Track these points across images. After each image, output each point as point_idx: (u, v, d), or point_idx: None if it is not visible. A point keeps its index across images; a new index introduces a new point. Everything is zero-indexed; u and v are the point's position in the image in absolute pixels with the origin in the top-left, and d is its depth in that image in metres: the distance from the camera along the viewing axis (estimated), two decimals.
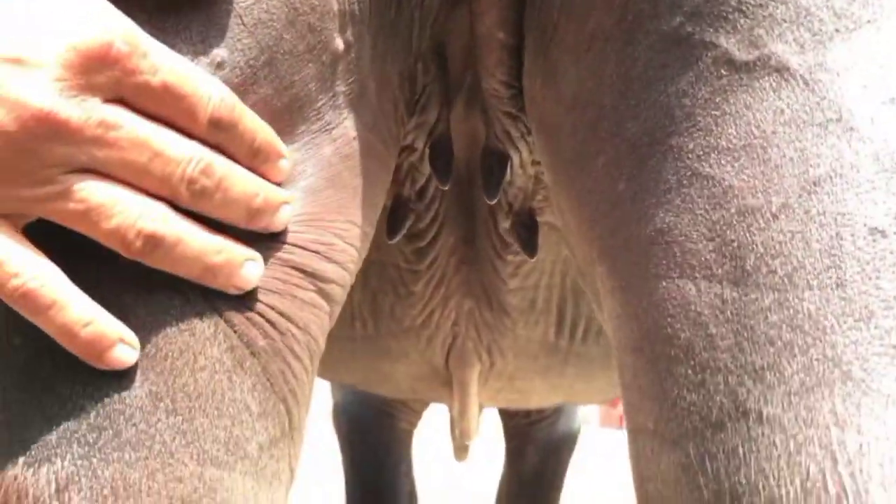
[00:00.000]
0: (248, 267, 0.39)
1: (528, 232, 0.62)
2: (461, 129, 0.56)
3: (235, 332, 0.40)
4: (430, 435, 1.31)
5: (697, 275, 0.37)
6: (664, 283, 0.39)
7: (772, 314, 0.35)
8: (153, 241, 0.36)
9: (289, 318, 0.42)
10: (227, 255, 0.38)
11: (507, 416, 1.24)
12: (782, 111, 0.36)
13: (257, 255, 0.40)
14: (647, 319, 0.40)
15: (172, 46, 0.37)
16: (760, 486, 0.34)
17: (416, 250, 0.65)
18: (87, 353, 0.36)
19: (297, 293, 0.42)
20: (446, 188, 0.57)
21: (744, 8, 0.38)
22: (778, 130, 0.36)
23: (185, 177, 0.37)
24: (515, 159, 0.56)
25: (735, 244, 0.36)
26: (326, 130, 0.43)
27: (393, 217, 0.60)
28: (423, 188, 0.60)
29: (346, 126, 0.44)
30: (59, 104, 0.33)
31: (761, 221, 0.36)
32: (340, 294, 0.46)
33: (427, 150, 0.56)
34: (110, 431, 0.36)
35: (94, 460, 0.36)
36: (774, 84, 0.37)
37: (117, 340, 0.36)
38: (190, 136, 0.37)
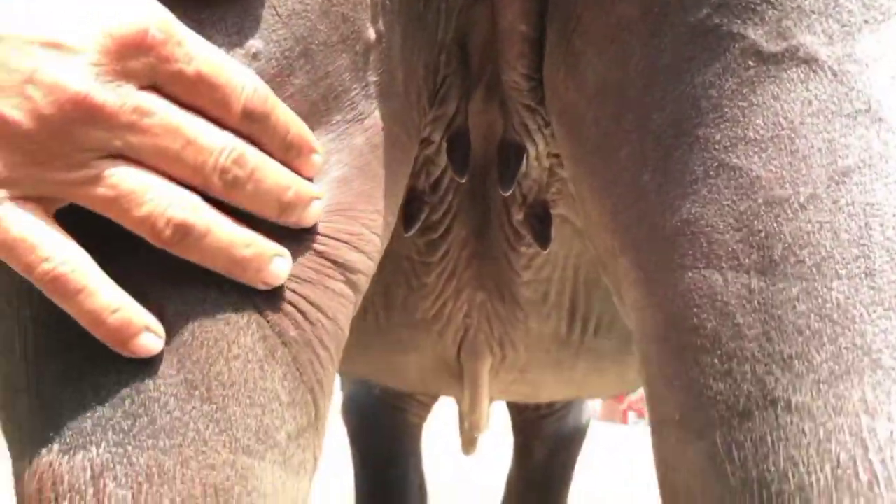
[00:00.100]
0: (276, 263, 0.39)
1: (541, 224, 0.62)
2: (478, 122, 0.56)
3: (268, 321, 0.40)
4: (439, 428, 1.32)
5: (724, 265, 0.38)
6: (690, 274, 0.39)
7: (800, 303, 0.35)
8: (182, 230, 0.36)
9: (319, 309, 0.42)
10: (257, 250, 0.38)
11: (515, 410, 1.24)
12: (810, 102, 0.37)
13: (286, 252, 0.40)
14: (672, 310, 0.40)
15: (208, 38, 0.37)
16: (790, 474, 0.34)
17: (428, 242, 0.65)
18: (113, 340, 0.36)
19: (328, 283, 0.42)
20: (464, 180, 0.57)
21: None
22: (806, 121, 0.36)
23: (218, 166, 0.37)
24: (531, 151, 0.56)
25: (762, 234, 0.37)
26: (359, 120, 0.43)
27: (408, 209, 0.60)
28: (437, 180, 0.60)
29: (376, 116, 0.44)
30: (95, 89, 0.34)
31: (789, 212, 0.36)
32: (365, 284, 0.46)
33: (444, 143, 0.56)
34: (145, 419, 0.36)
35: (129, 447, 0.36)
36: (803, 75, 0.37)
37: (143, 328, 0.37)
38: (223, 126, 0.37)
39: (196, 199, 0.37)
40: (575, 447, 1.26)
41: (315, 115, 0.41)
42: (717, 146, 0.38)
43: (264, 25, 0.39)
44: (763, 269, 0.37)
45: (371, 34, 0.43)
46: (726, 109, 0.38)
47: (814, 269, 0.35)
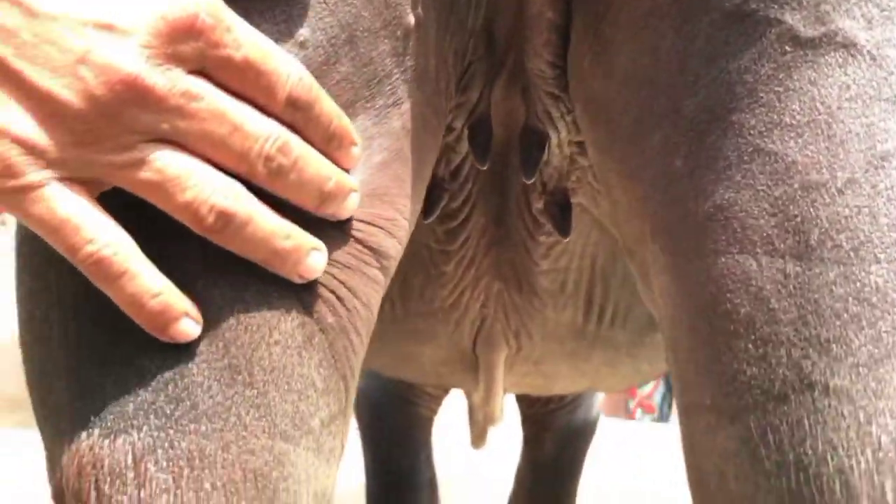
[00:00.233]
0: (314, 256, 0.39)
1: (561, 212, 0.62)
2: (499, 110, 0.56)
3: (307, 307, 0.40)
4: (449, 422, 1.32)
5: (759, 250, 0.38)
6: (723, 259, 0.39)
7: (837, 287, 0.35)
8: (225, 218, 0.36)
9: (356, 295, 0.42)
10: (296, 242, 0.38)
11: (525, 403, 1.24)
12: (848, 87, 0.37)
13: (322, 245, 0.40)
14: (704, 295, 0.40)
15: (256, 26, 0.37)
16: (828, 457, 0.34)
17: (448, 230, 0.65)
18: (152, 324, 0.36)
19: (365, 269, 0.42)
20: (485, 168, 0.57)
21: None
22: (843, 106, 0.36)
23: (263, 153, 0.37)
24: (553, 139, 0.56)
25: (798, 219, 0.37)
26: (397, 104, 0.43)
27: (428, 197, 0.60)
28: (457, 168, 0.60)
29: (412, 100, 0.44)
30: (146, 71, 0.34)
31: (826, 196, 0.36)
32: (393, 270, 0.46)
33: (465, 131, 0.56)
34: (188, 403, 0.36)
35: (171, 431, 0.36)
36: (840, 60, 0.37)
37: (183, 314, 0.37)
38: (267, 114, 0.37)
39: (239, 188, 0.37)
40: (584, 441, 1.26)
41: (359, 101, 0.41)
42: (751, 131, 0.38)
43: (311, 13, 0.39)
44: (799, 253, 0.37)
45: (411, 19, 0.43)
46: (761, 94, 0.38)
47: (851, 254, 0.35)
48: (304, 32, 0.39)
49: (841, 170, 0.36)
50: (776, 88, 0.38)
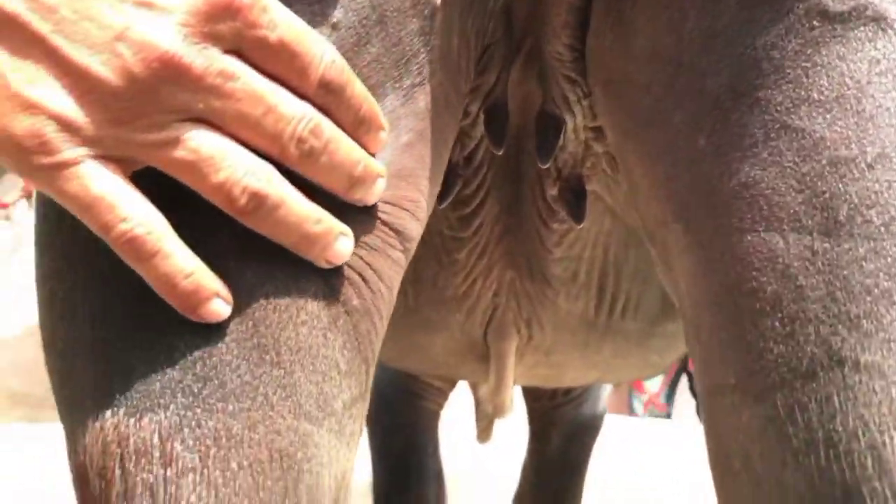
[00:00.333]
0: (341, 241, 0.39)
1: (576, 199, 0.62)
2: (515, 94, 0.56)
3: (333, 289, 0.40)
4: (455, 416, 1.31)
5: (785, 227, 0.38)
6: (749, 237, 0.39)
7: (868, 263, 0.35)
8: (257, 200, 0.36)
9: (380, 277, 0.42)
10: (325, 226, 0.38)
11: (531, 398, 1.24)
12: (878, 61, 0.36)
13: (350, 231, 0.39)
14: (729, 274, 0.40)
15: (289, 7, 0.37)
16: (860, 433, 0.34)
17: (460, 217, 0.65)
18: (183, 304, 0.36)
19: (389, 252, 0.42)
20: (500, 153, 0.57)
21: None
22: (873, 80, 0.36)
23: (296, 135, 0.37)
24: (569, 124, 0.56)
25: (827, 195, 0.37)
26: (422, 84, 0.43)
27: (442, 182, 0.60)
28: (471, 153, 0.60)
29: (436, 80, 0.44)
30: (183, 49, 0.33)
31: (855, 172, 0.36)
32: (413, 252, 0.46)
33: (480, 115, 0.56)
34: (215, 382, 0.36)
35: (198, 410, 0.36)
36: (870, 34, 0.37)
37: (214, 294, 0.36)
38: (299, 96, 0.37)
39: (272, 170, 0.37)
40: (591, 436, 1.26)
41: (388, 81, 0.41)
42: (778, 108, 0.38)
43: None
44: (827, 230, 0.36)
45: None
46: (788, 71, 0.38)
47: (882, 229, 0.35)
48: (336, 14, 0.39)
49: (871, 145, 0.36)
50: (804, 64, 0.38)
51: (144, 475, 0.35)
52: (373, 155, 0.40)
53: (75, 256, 0.39)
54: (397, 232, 0.42)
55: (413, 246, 0.45)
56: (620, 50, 0.46)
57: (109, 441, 0.35)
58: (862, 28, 0.37)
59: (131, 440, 0.35)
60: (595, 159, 0.60)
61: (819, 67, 0.37)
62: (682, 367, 3.11)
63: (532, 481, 1.26)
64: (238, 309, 0.37)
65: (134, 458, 0.35)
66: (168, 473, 0.35)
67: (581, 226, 0.62)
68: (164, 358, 0.36)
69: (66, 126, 0.33)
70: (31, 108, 0.33)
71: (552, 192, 0.62)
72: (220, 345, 0.37)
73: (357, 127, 0.39)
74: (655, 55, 0.44)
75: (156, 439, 0.35)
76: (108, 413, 0.36)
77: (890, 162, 0.36)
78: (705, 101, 0.41)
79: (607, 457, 1.40)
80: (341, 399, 0.41)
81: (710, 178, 0.41)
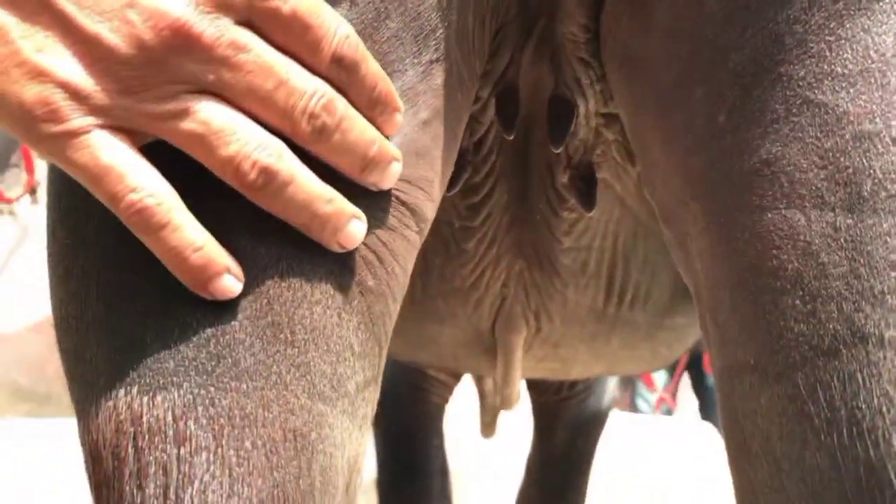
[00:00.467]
0: (354, 224, 0.38)
1: (586, 186, 0.61)
2: (526, 79, 0.55)
3: (348, 268, 0.39)
4: (459, 412, 1.31)
5: (807, 204, 0.37)
6: (769, 215, 0.38)
7: (892, 238, 0.35)
8: (267, 175, 0.35)
9: (395, 258, 0.41)
10: (337, 207, 0.37)
11: (536, 392, 1.24)
12: None
13: (363, 215, 0.38)
14: (749, 253, 0.39)
15: None
16: (884, 409, 0.33)
17: (469, 206, 0.64)
18: (193, 279, 0.35)
19: (405, 232, 0.42)
20: (511, 138, 0.56)
21: None
22: None
23: (308, 110, 0.36)
24: (581, 109, 0.56)
25: (850, 171, 0.36)
26: (440, 60, 0.42)
27: None
28: (481, 140, 0.59)
29: (452, 57, 0.43)
30: (194, 17, 0.33)
31: (879, 146, 0.35)
32: (426, 234, 0.45)
33: (491, 100, 0.55)
34: (229, 360, 0.35)
35: (212, 389, 0.35)
36: None
37: (224, 269, 0.36)
38: (312, 71, 0.36)
39: (282, 146, 0.36)
40: (595, 431, 1.25)
41: (408, 56, 0.40)
42: (800, 83, 0.38)
43: None
44: (850, 205, 0.36)
45: None
46: (811, 45, 0.38)
47: None
48: None
49: (895, 119, 0.35)
50: (827, 38, 0.37)
51: (158, 454, 0.34)
52: (388, 138, 0.39)
53: (89, 233, 0.38)
54: (413, 212, 0.42)
55: (427, 227, 0.44)
56: (638, 27, 0.46)
57: (123, 420, 0.35)
58: (887, 0, 0.36)
59: (144, 419, 0.35)
60: (605, 147, 0.59)
61: (843, 41, 0.37)
62: (686, 365, 3.11)
63: (536, 476, 1.26)
64: (251, 286, 0.36)
65: (147, 436, 0.35)
66: (181, 452, 0.34)
67: (590, 214, 0.62)
68: (177, 335, 0.36)
69: (74, 94, 0.33)
70: (40, 75, 0.32)
71: (562, 179, 0.62)
72: (233, 322, 0.36)
73: (372, 107, 0.38)
74: (675, 31, 0.43)
75: (169, 418, 0.34)
76: (122, 391, 0.35)
77: None
78: (726, 76, 0.40)
79: (612, 452, 1.40)
80: (354, 381, 0.40)
81: (731, 154, 0.40)
